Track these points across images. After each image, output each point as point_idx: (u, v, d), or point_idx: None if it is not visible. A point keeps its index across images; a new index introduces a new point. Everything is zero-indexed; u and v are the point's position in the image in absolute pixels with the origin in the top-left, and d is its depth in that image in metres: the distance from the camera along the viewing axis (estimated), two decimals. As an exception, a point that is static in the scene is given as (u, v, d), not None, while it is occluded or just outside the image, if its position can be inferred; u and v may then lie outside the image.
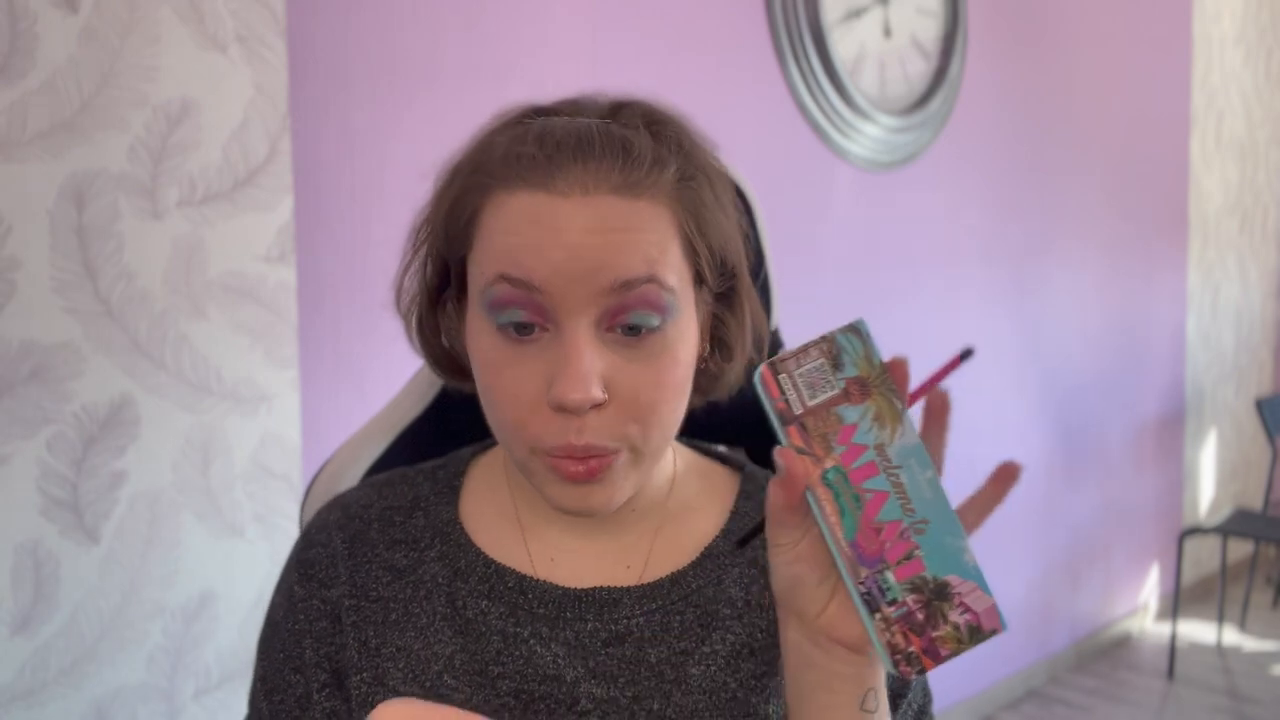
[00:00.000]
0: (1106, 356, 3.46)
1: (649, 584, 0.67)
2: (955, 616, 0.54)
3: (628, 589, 0.66)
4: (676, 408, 0.63)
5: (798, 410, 0.56)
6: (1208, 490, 4.14)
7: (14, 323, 1.35)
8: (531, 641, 0.64)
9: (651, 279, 0.59)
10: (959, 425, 3.19)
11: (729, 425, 0.82)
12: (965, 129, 2.81)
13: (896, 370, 0.56)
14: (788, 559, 0.57)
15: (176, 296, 1.48)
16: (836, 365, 0.56)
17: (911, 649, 0.54)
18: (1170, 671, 3.32)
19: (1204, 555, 3.91)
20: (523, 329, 0.59)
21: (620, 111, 0.65)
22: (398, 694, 0.62)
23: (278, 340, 1.57)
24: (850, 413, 0.56)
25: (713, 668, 0.65)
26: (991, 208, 2.94)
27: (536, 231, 0.58)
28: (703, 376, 0.69)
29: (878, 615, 0.54)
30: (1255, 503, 4.35)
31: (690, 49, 2.17)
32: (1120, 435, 3.55)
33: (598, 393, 0.58)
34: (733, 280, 0.67)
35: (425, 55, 1.77)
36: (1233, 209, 4.17)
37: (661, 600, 0.66)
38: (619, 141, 0.61)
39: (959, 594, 0.54)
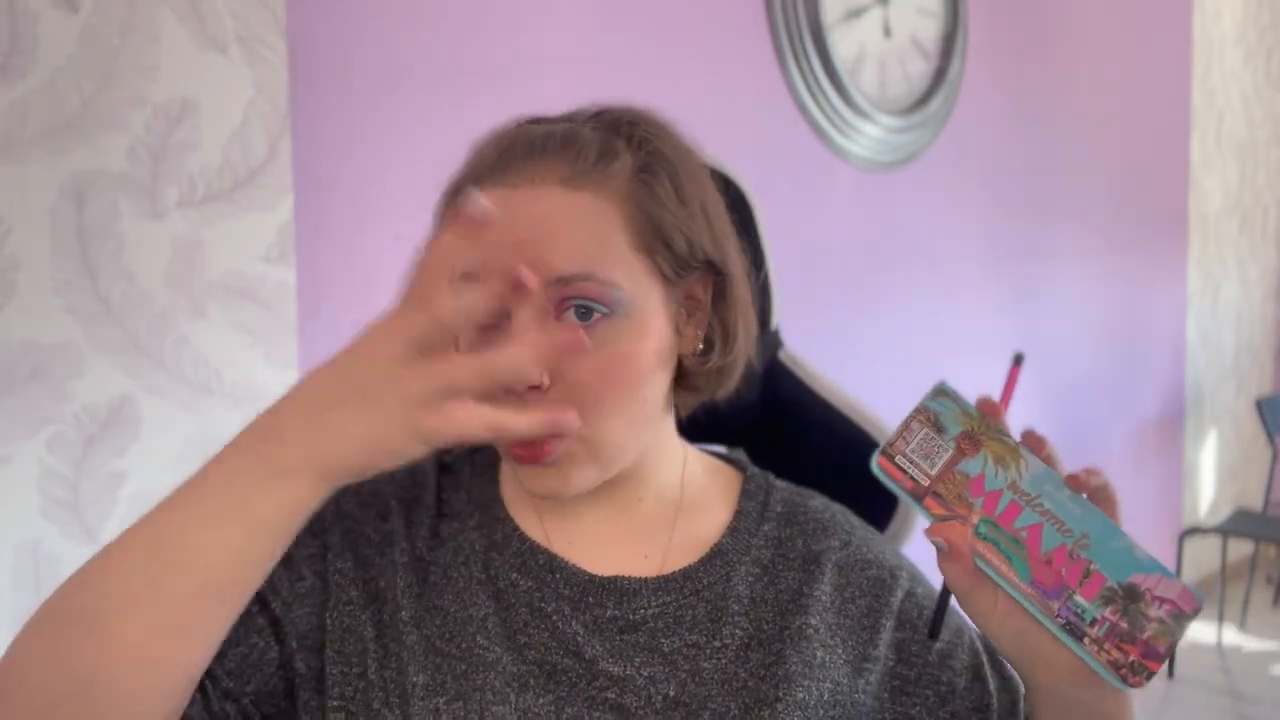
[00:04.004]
0: (1106, 356, 3.46)
1: (664, 576, 0.69)
2: (1155, 612, 0.56)
3: (645, 580, 0.69)
4: (628, 401, 0.65)
5: (926, 482, 0.59)
6: (1208, 490, 4.14)
7: (14, 323, 1.35)
8: (554, 618, 0.67)
9: (589, 276, 0.62)
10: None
11: (730, 426, 0.82)
12: (965, 129, 2.81)
13: (989, 410, 0.59)
14: (1000, 620, 0.59)
15: (176, 296, 1.48)
16: (940, 429, 0.59)
17: (1131, 658, 0.55)
18: (1170, 671, 3.32)
19: (1204, 555, 3.91)
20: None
21: (597, 117, 0.68)
22: (431, 645, 0.66)
23: (277, 340, 1.57)
24: (972, 466, 0.58)
25: (723, 660, 0.67)
26: (991, 208, 2.94)
27: None
28: (697, 376, 0.70)
29: (1086, 639, 0.56)
30: (1255, 503, 4.35)
31: (690, 49, 2.17)
32: (1120, 435, 3.55)
33: (533, 373, 0.60)
34: (719, 277, 0.68)
35: (425, 55, 1.77)
36: (1233, 209, 4.17)
37: (675, 593, 0.69)
38: (571, 139, 0.64)
39: (1148, 589, 0.56)
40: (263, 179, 1.54)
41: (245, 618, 0.65)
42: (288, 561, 0.68)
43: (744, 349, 0.71)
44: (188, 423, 1.49)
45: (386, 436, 0.52)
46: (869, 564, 0.73)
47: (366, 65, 1.70)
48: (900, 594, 0.73)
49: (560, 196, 0.62)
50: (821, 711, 0.66)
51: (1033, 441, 0.60)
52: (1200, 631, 3.65)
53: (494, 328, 0.63)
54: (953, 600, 0.76)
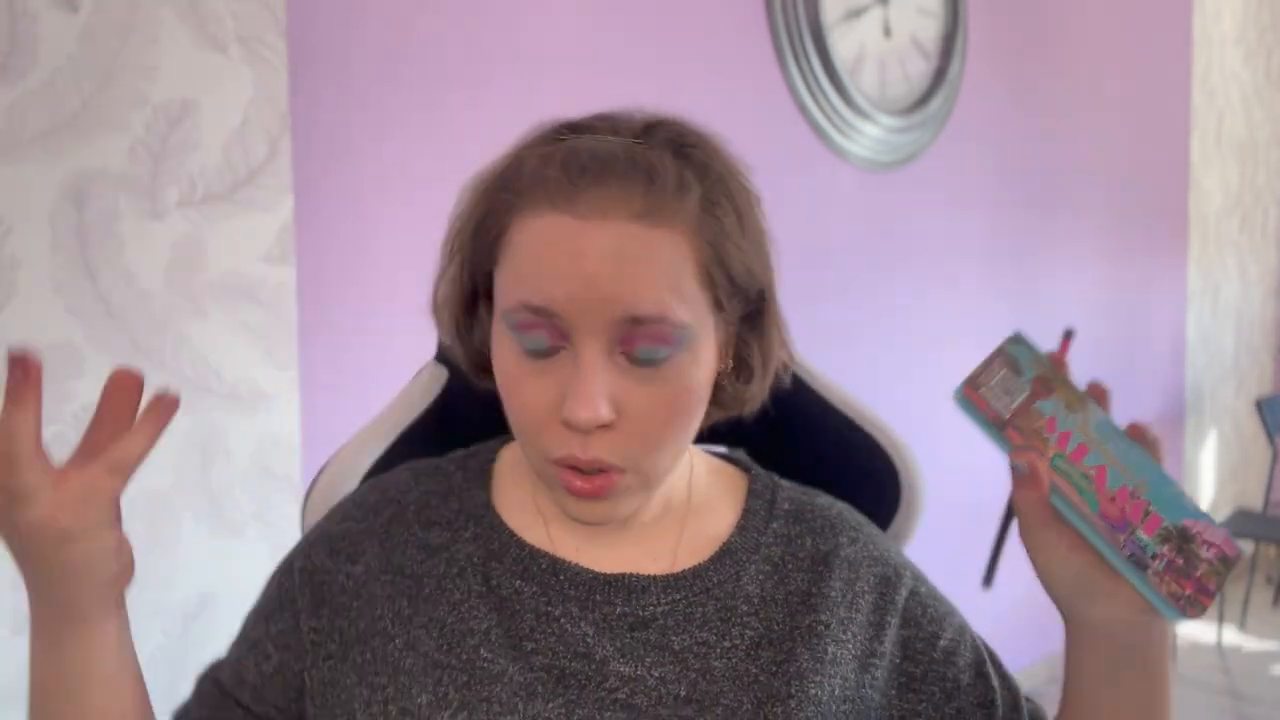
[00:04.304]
0: (1106, 356, 3.46)
1: (674, 575, 0.70)
2: (1205, 553, 0.60)
3: (654, 577, 0.69)
4: (685, 432, 0.66)
5: (1006, 415, 0.63)
6: (1208, 490, 4.14)
7: (14, 323, 1.34)
8: (563, 620, 0.67)
9: (662, 319, 0.60)
10: (959, 431, 3.18)
11: (728, 426, 0.82)
12: (965, 129, 2.81)
13: (1056, 362, 0.63)
14: (1064, 556, 0.62)
15: (176, 296, 1.47)
16: (1017, 371, 0.63)
17: (1188, 593, 0.60)
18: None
19: (1204, 555, 3.91)
20: (542, 352, 0.62)
21: (651, 132, 0.64)
22: (431, 660, 0.65)
23: (278, 340, 1.57)
24: (1046, 406, 0.62)
25: (734, 659, 0.67)
26: (991, 208, 2.94)
27: (556, 256, 0.60)
28: (724, 394, 0.70)
29: (1148, 571, 0.60)
30: (1255, 503, 4.35)
31: (690, 49, 2.17)
32: (1120, 435, 3.55)
33: (605, 413, 0.60)
34: (760, 302, 0.68)
35: (425, 56, 1.77)
36: (1233, 209, 4.17)
37: (685, 591, 0.69)
38: (643, 166, 0.61)
39: (1198, 533, 0.60)
40: (263, 179, 1.54)
41: (223, 715, 0.71)
42: (255, 646, 0.71)
43: (771, 372, 0.71)
44: (187, 423, 1.49)
45: (78, 555, 0.60)
46: (875, 561, 0.74)
47: (366, 65, 1.70)
48: (905, 591, 0.73)
49: (636, 232, 0.60)
50: (834, 707, 0.67)
51: (1097, 393, 0.63)
52: (1200, 631, 3.65)
53: (551, 356, 0.62)
54: (957, 605, 0.76)
